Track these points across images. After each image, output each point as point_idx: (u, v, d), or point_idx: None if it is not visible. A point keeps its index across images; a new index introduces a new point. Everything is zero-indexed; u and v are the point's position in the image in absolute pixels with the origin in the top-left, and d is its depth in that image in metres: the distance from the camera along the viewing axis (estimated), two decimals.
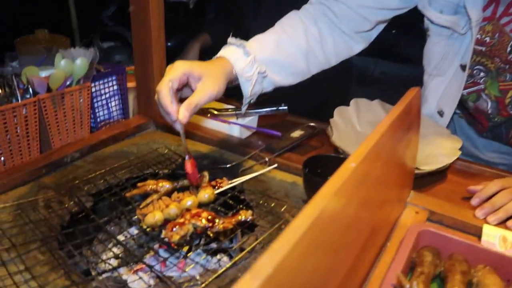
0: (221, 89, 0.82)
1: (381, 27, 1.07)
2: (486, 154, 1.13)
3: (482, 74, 0.99)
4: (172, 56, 1.15)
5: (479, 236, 0.78)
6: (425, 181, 0.93)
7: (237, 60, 0.87)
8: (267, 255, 0.33)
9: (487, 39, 0.95)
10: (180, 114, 0.76)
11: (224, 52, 0.88)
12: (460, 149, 1.17)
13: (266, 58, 0.91)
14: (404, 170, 0.79)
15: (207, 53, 1.73)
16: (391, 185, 0.73)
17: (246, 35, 0.94)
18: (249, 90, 0.89)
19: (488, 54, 0.96)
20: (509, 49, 0.92)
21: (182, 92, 0.83)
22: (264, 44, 0.93)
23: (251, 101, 0.94)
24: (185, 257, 0.75)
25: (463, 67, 0.99)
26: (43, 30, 1.39)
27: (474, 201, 0.84)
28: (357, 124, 1.10)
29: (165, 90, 0.75)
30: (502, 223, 0.79)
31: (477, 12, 0.91)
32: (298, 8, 1.04)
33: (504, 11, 0.91)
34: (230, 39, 0.90)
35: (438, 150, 0.99)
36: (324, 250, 0.44)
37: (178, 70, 0.78)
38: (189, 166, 0.81)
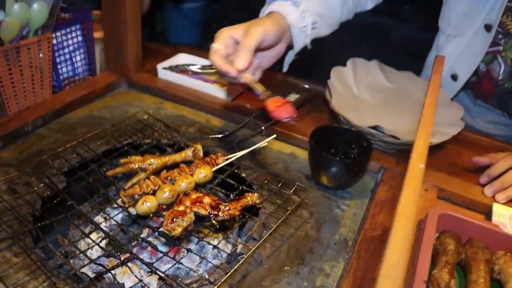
0: (271, 30, 0.75)
1: None
2: (482, 125, 1.10)
3: (500, 36, 0.93)
4: None
5: (487, 214, 0.76)
6: (428, 153, 0.88)
7: (289, 11, 0.80)
8: None
9: None
10: (237, 62, 0.71)
11: (271, 7, 0.81)
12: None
13: (313, 8, 0.84)
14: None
15: None
16: None
17: None
18: (303, 42, 0.83)
19: None
20: None
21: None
22: None
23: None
24: (181, 246, 0.66)
25: (487, 28, 0.93)
26: None
27: (483, 179, 0.81)
28: (354, 87, 1.02)
29: (214, 57, 0.72)
30: (511, 202, 0.76)
31: None
32: None
33: None
34: None
35: (440, 120, 0.93)
36: None
37: (221, 36, 0.74)
38: (271, 104, 0.70)
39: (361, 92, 1.01)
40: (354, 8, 0.95)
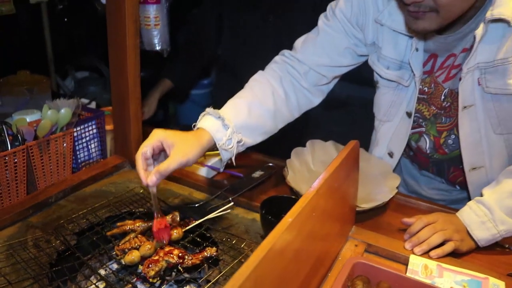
0: (192, 158, 0.91)
1: (337, 80, 1.23)
2: (428, 191, 1.29)
3: (420, 120, 1.17)
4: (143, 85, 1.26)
5: (407, 264, 0.95)
6: (368, 215, 1.09)
7: (218, 132, 0.97)
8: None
9: (426, 89, 1.11)
10: (149, 178, 0.87)
11: (203, 123, 0.98)
12: (405, 186, 1.35)
13: (241, 124, 1.02)
14: (345, 209, 0.95)
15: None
16: (332, 223, 0.88)
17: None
18: (229, 158, 1.01)
19: (428, 102, 1.13)
20: (442, 97, 1.10)
21: (159, 157, 0.95)
22: (237, 110, 1.04)
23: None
24: None
25: (408, 114, 1.15)
26: (25, 71, 1.49)
27: (405, 236, 0.99)
28: (311, 163, 1.26)
29: (138, 158, 0.89)
30: (426, 254, 0.95)
31: (419, 68, 1.07)
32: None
33: (439, 66, 1.08)
34: (208, 109, 1.00)
35: (378, 188, 1.15)
36: (273, 279, 0.58)
37: (153, 138, 0.90)
38: (156, 225, 0.90)
39: (316, 167, 1.25)
40: (299, 109, 1.17)
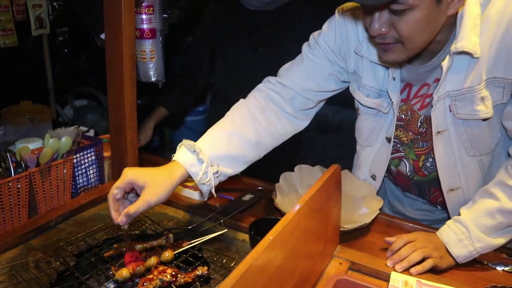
0: (162, 198, 0.95)
1: (322, 104, 1.30)
2: (412, 212, 1.35)
3: (398, 145, 1.24)
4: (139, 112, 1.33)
5: (388, 281, 1.00)
6: (353, 235, 1.15)
7: (192, 167, 1.00)
8: None
9: (403, 116, 1.19)
10: (119, 219, 0.92)
11: (179, 156, 1.01)
12: (390, 207, 1.41)
13: (219, 156, 1.05)
14: (328, 229, 1.01)
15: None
16: (315, 242, 0.94)
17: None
18: (208, 191, 1.05)
19: (405, 128, 1.20)
20: (419, 124, 1.17)
21: (129, 195, 0.99)
22: (215, 141, 1.06)
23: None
24: None
25: (388, 139, 1.22)
26: (27, 102, 1.57)
27: (388, 254, 1.06)
28: (299, 187, 1.32)
29: (110, 199, 0.93)
30: (406, 271, 1.01)
31: (397, 95, 1.14)
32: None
33: (414, 94, 1.16)
34: (185, 141, 1.03)
35: (362, 210, 1.22)
36: None
37: (124, 179, 0.94)
38: (127, 258, 0.95)
39: (303, 190, 1.31)
40: (284, 135, 1.22)
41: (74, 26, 2.52)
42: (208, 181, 1.02)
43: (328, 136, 4.13)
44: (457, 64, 1.01)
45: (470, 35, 0.96)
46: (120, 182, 0.94)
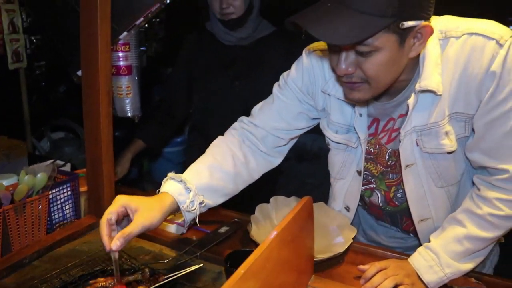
0: (156, 222, 0.96)
1: (294, 141, 1.35)
2: (385, 240, 1.39)
3: (370, 177, 1.28)
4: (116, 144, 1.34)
5: None
6: (327, 265, 1.17)
7: (180, 195, 1.04)
8: None
9: (372, 149, 1.24)
10: (113, 243, 0.90)
11: (166, 187, 1.05)
12: (364, 236, 1.45)
13: (202, 186, 1.09)
14: (302, 260, 1.03)
15: None
16: (288, 273, 0.96)
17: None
18: (192, 218, 1.08)
19: (375, 161, 1.25)
20: (387, 157, 1.22)
21: (122, 222, 1.00)
22: (199, 174, 1.11)
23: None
24: None
25: (359, 172, 1.26)
26: (3, 136, 1.57)
27: (361, 281, 1.08)
28: (274, 218, 1.35)
29: (103, 224, 0.92)
30: None
31: (364, 131, 1.19)
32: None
33: (382, 129, 1.21)
34: (171, 174, 1.08)
35: (335, 240, 1.25)
36: None
37: (117, 204, 0.95)
38: None
39: (279, 221, 1.33)
40: (258, 171, 1.26)
41: (51, 60, 2.54)
42: (194, 209, 1.05)
43: (307, 164, 4.17)
44: (422, 101, 1.06)
45: (433, 74, 1.02)
46: (114, 207, 0.95)
